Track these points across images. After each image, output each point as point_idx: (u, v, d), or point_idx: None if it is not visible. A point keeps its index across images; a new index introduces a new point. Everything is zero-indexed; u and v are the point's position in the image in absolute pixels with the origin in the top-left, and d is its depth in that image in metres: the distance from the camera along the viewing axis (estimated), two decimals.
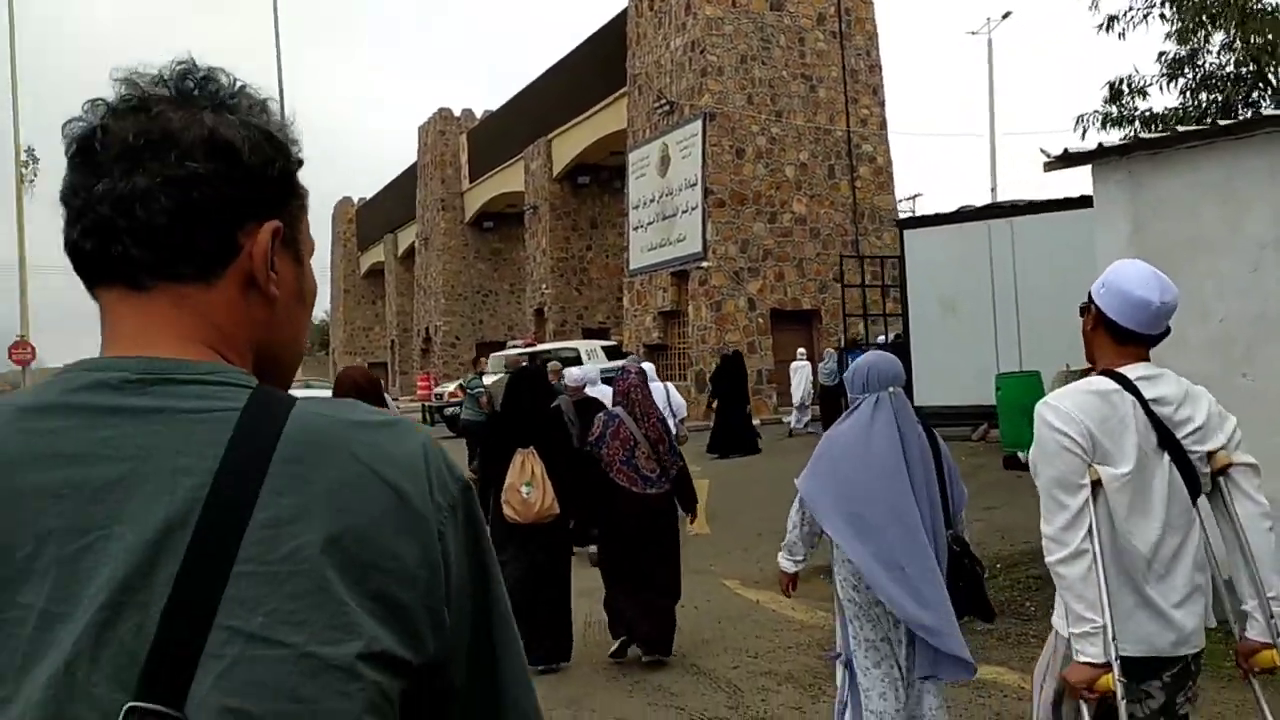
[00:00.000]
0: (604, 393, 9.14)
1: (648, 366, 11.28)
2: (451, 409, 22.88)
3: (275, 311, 0.91)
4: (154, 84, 0.88)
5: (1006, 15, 29.96)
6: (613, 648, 5.95)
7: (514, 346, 24.59)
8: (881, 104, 23.66)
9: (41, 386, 0.83)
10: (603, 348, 24.24)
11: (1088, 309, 2.60)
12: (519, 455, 5.60)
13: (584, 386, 8.89)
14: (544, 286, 33.00)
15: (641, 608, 5.77)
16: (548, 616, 5.63)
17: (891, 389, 3.71)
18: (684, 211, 22.90)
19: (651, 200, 24.34)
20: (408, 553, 0.81)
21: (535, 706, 0.94)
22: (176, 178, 0.84)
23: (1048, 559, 2.47)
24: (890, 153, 23.64)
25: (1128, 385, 2.47)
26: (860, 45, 23.41)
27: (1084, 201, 14.34)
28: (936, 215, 14.53)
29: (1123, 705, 2.36)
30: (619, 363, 13.78)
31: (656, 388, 9.58)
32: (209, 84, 0.89)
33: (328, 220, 59.11)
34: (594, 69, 29.40)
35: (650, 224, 24.46)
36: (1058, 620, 2.56)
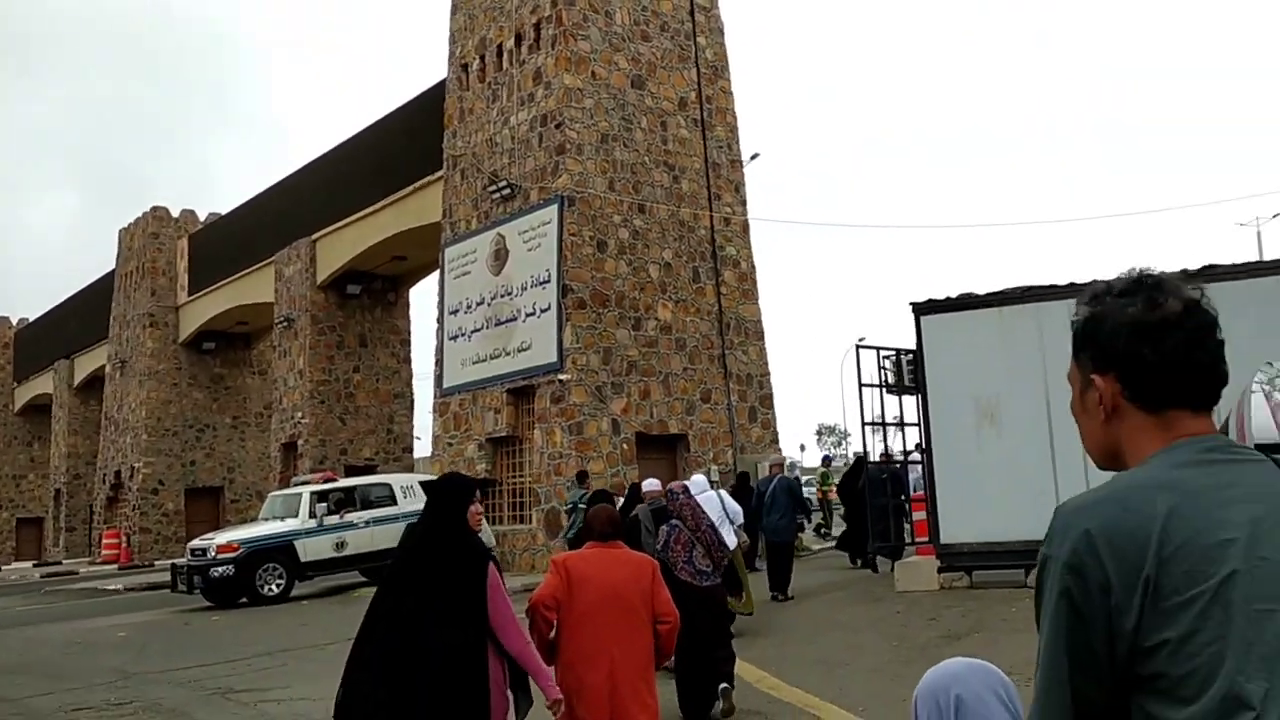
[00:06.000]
0: (711, 497, 9.55)
1: (700, 478, 10.44)
2: (222, 569, 16.91)
3: None
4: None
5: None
6: (720, 706, 7.03)
7: (303, 484, 18.98)
8: (744, 203, 21.19)
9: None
10: (420, 482, 19.26)
11: None
12: None
13: (663, 494, 9.55)
14: (299, 415, 27.16)
15: (709, 673, 7.17)
16: None
17: None
18: (529, 314, 18.86)
19: (479, 303, 20.07)
20: None
21: None
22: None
23: None
24: (754, 258, 21.11)
25: None
26: (722, 137, 20.95)
27: None
28: (966, 297, 11.68)
29: None
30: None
31: (710, 495, 9.78)
32: None
33: None
34: (377, 161, 25.08)
35: (475, 331, 20.11)
36: None
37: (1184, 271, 11.07)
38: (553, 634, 4.67)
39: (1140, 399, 1.44)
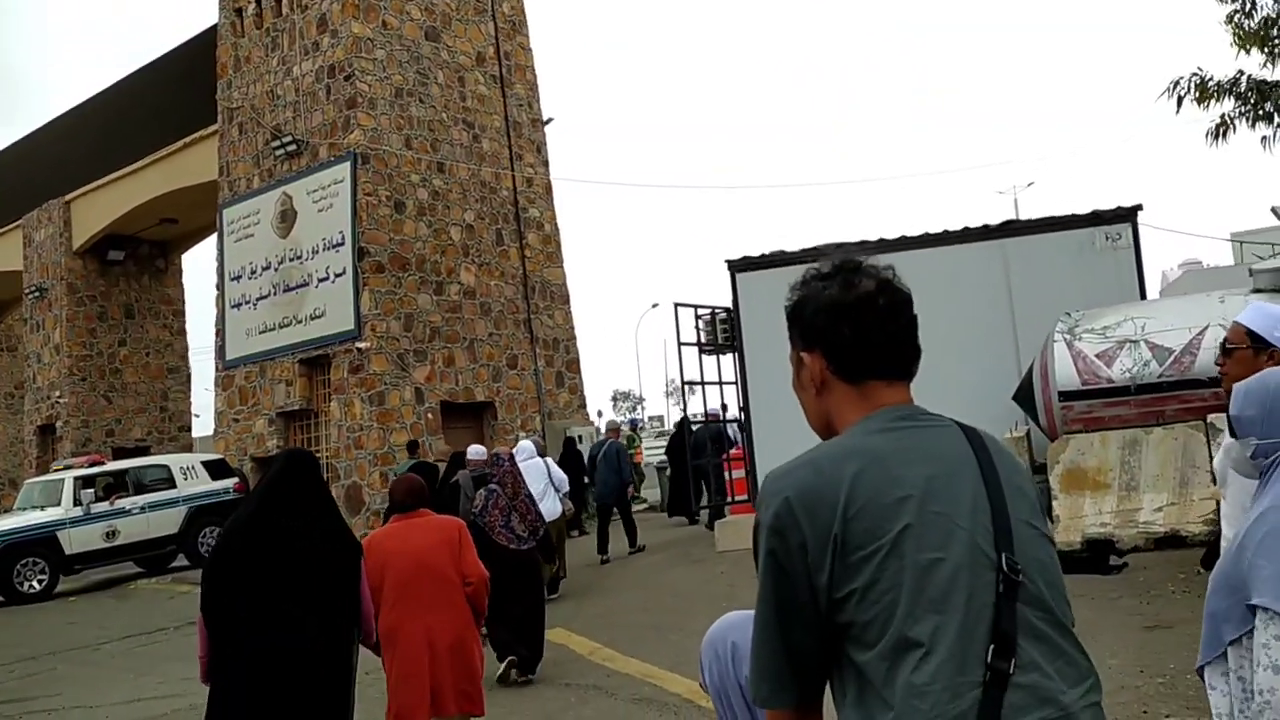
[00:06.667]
0: (537, 464, 10.02)
1: (527, 444, 10.49)
2: None
3: None
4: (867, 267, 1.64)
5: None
6: (499, 670, 7.08)
7: (65, 469, 17.12)
8: (546, 164, 20.61)
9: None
10: (203, 463, 17.83)
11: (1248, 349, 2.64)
12: None
13: (490, 461, 9.29)
14: (56, 394, 24.61)
15: (515, 636, 7.28)
16: None
17: None
18: (322, 279, 17.68)
19: (265, 268, 18.64)
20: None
21: None
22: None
23: None
24: (558, 220, 20.61)
25: None
26: (522, 95, 20.24)
27: (968, 235, 12.49)
28: (780, 254, 11.64)
29: None
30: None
31: (536, 463, 9.96)
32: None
33: None
34: (141, 113, 22.84)
35: (262, 298, 18.68)
36: None
37: (985, 226, 11.49)
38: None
39: (843, 373, 1.58)
